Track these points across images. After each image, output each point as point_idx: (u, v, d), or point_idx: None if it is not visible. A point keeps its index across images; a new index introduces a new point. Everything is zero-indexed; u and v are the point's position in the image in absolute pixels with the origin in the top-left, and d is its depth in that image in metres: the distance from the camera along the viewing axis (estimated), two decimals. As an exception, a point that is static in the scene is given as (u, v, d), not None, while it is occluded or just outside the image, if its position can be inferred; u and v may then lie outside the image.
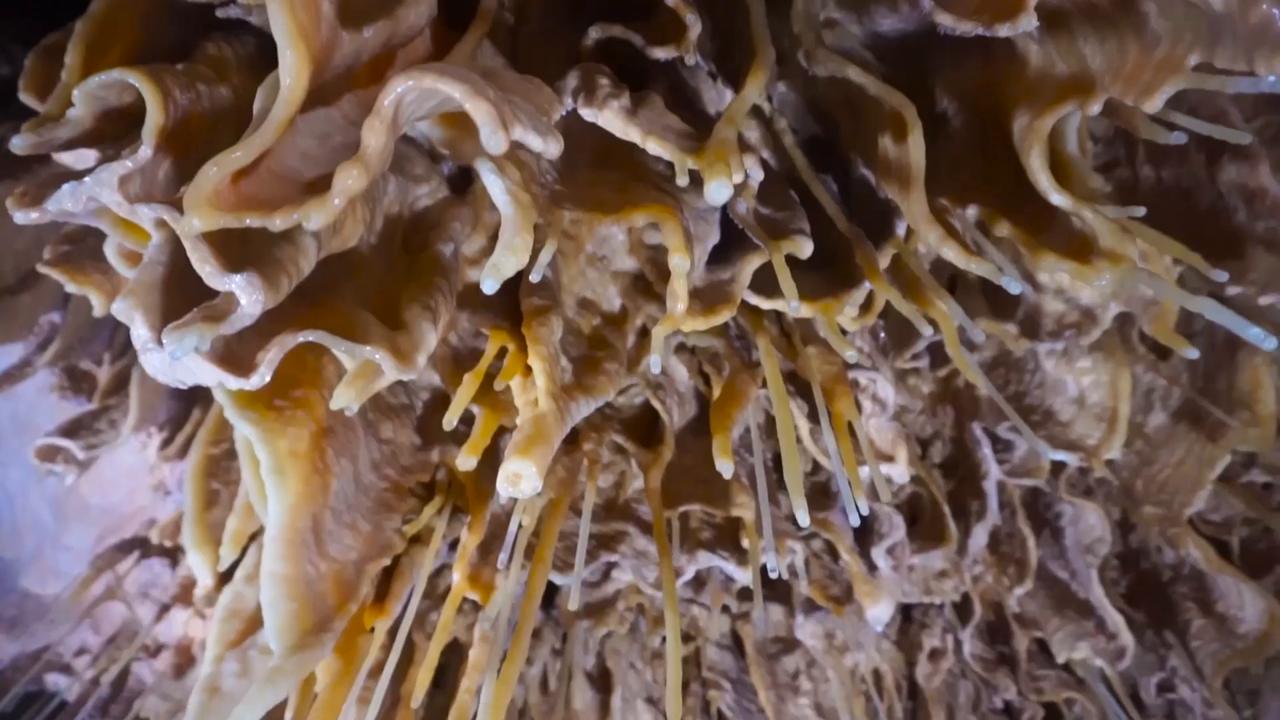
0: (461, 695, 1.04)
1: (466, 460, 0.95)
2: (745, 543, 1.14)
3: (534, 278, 0.76)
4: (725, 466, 0.90)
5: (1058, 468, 1.37)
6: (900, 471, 1.12)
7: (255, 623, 1.10)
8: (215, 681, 1.00)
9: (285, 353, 0.72)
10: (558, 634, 1.38)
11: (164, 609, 1.60)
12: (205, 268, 0.66)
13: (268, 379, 0.71)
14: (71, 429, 1.37)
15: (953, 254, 0.69)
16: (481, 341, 1.07)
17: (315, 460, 0.95)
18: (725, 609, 1.49)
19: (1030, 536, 1.37)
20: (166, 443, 1.53)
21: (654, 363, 0.87)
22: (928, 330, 0.90)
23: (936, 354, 1.36)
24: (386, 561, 1.02)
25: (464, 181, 1.10)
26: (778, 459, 1.38)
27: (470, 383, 0.96)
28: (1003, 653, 1.54)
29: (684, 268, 0.74)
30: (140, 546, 1.66)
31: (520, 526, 1.04)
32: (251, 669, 1.04)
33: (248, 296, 0.65)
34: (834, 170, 1.02)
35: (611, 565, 1.37)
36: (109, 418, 1.40)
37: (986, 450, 1.32)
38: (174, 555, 1.67)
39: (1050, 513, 1.45)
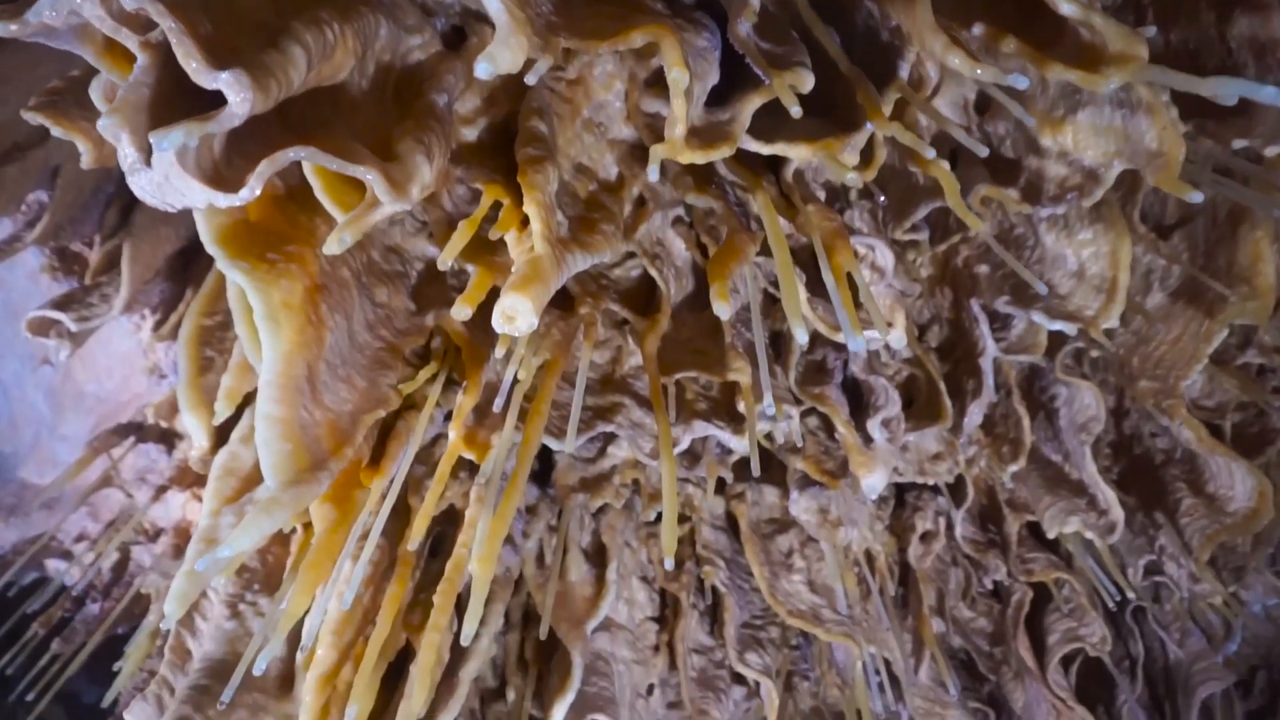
0: (458, 550, 1.05)
1: (461, 309, 0.94)
2: (741, 407, 1.14)
3: (529, 80, 0.74)
4: (723, 309, 0.89)
5: (1054, 346, 1.37)
6: (898, 336, 1.12)
7: (251, 481, 1.10)
8: (212, 533, 1.01)
9: (276, 169, 0.71)
10: (553, 510, 1.39)
11: (161, 490, 1.60)
12: (191, 63, 0.64)
13: (257, 192, 0.70)
14: (63, 303, 1.36)
15: (959, 61, 0.67)
16: (476, 207, 1.05)
17: (309, 313, 0.95)
18: (720, 489, 1.50)
19: (1025, 416, 1.38)
20: (159, 324, 1.52)
21: (651, 172, 0.86)
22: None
23: (936, 229, 1.35)
24: (382, 413, 1.02)
25: (458, 39, 1.07)
26: (775, 337, 1.39)
27: (465, 229, 0.95)
28: (993, 538, 1.56)
29: (682, 82, 0.73)
30: (136, 431, 1.66)
31: (516, 381, 1.04)
32: (249, 522, 1.04)
33: (235, 94, 0.64)
34: (836, 23, 1.00)
35: (608, 439, 1.38)
36: (101, 293, 1.39)
37: (984, 328, 1.31)
38: (170, 440, 1.67)
39: (1045, 396, 1.45)
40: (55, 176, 1.46)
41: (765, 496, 1.48)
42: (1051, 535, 1.37)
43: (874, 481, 1.19)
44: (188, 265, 1.56)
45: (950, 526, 1.52)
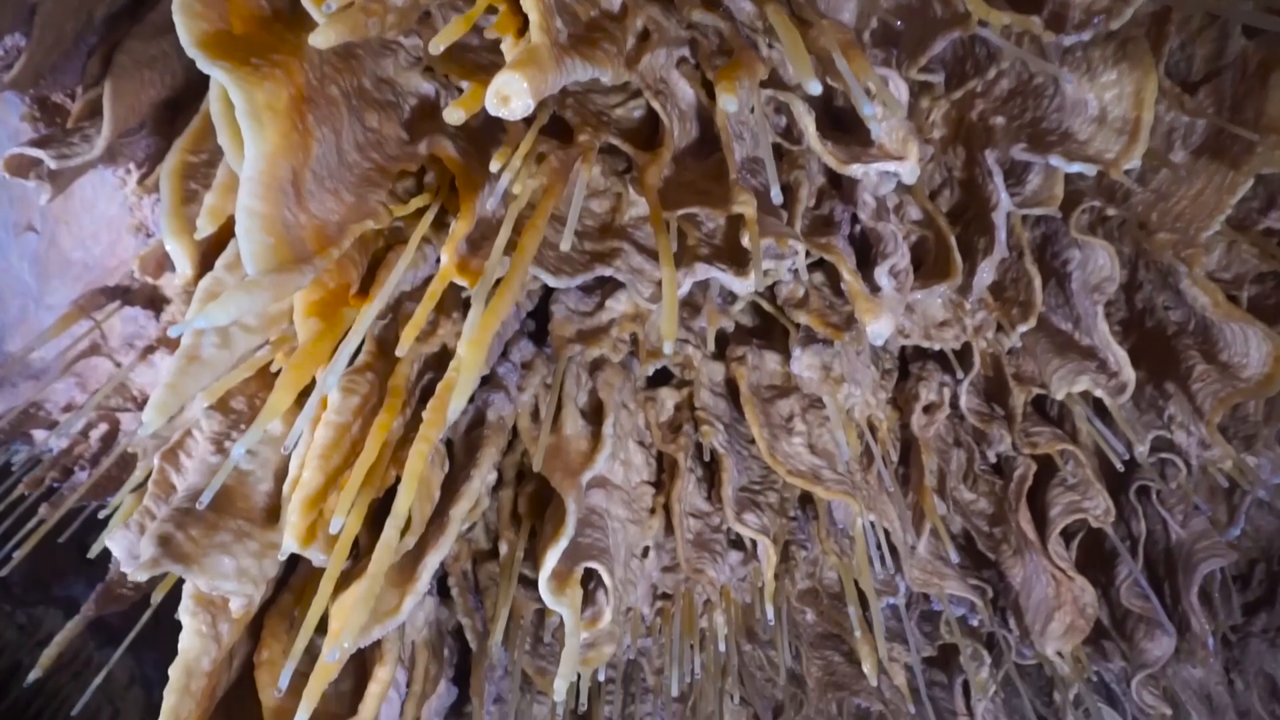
0: (449, 373, 1.02)
1: (454, 113, 0.90)
2: (745, 240, 1.10)
3: None
4: (730, 100, 0.84)
5: (1069, 204, 1.32)
6: (910, 169, 1.07)
7: (236, 306, 1.07)
8: (194, 351, 0.97)
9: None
10: (550, 367, 1.36)
11: (149, 350, 1.56)
12: None
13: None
14: (43, 142, 1.31)
15: None
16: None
17: (294, 120, 0.90)
18: (720, 355, 1.47)
19: (1036, 277, 1.34)
20: (144, 178, 1.47)
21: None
22: None
23: (952, 77, 1.30)
24: (371, 224, 0.97)
25: None
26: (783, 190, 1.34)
27: (459, 24, 0.89)
28: (998, 413, 1.53)
29: None
30: (123, 295, 1.61)
31: (513, 196, 0.99)
32: (233, 342, 1.01)
33: None
34: None
35: (606, 294, 1.34)
36: (83, 134, 1.33)
37: (998, 180, 1.26)
38: (158, 304, 1.63)
39: (1057, 261, 1.41)
40: (32, 15, 1.40)
41: (766, 362, 1.44)
42: (1059, 396, 1.33)
43: (879, 327, 1.15)
44: (174, 119, 1.50)
45: (955, 399, 1.48)
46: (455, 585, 1.40)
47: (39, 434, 1.80)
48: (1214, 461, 1.36)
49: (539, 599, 1.41)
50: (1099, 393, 1.28)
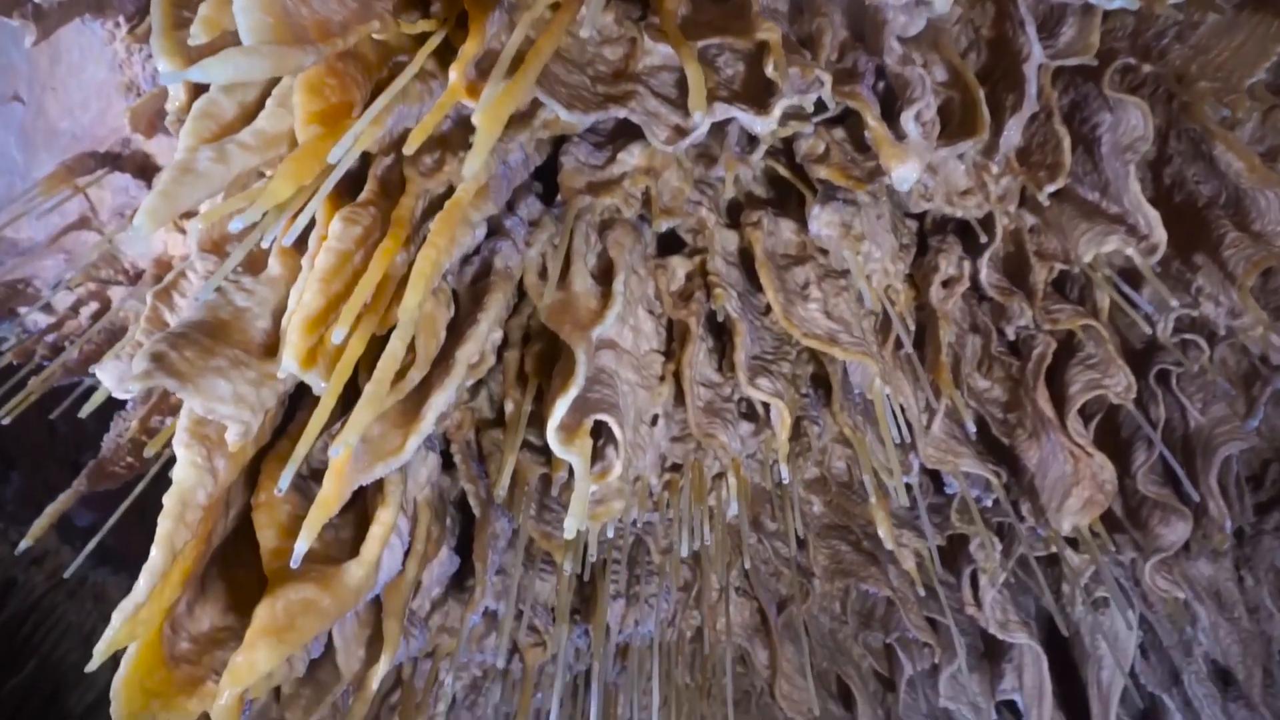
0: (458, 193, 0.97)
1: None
2: (770, 69, 1.04)
3: None
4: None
5: (1103, 63, 1.27)
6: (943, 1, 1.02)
7: (231, 128, 1.01)
8: (189, 164, 0.92)
9: None
10: (557, 226, 1.30)
11: (140, 214, 1.50)
12: None
13: None
14: (26, -22, 1.24)
15: None
16: None
17: (293, -87, 0.84)
18: (734, 224, 1.42)
19: (1065, 137, 1.28)
20: (135, 27, 1.40)
21: None
22: None
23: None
24: (375, 27, 0.92)
25: None
26: (806, 42, 1.28)
27: None
28: (1018, 290, 1.48)
29: None
30: (113, 161, 1.55)
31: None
32: (229, 158, 0.95)
33: None
34: None
35: (619, 147, 1.29)
36: (68, -29, 1.27)
37: (1030, 31, 1.21)
38: (148, 173, 1.57)
39: (1086, 126, 1.36)
40: None
41: (781, 230, 1.39)
42: (1087, 258, 1.29)
43: (905, 171, 1.09)
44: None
45: (974, 273, 1.44)
46: (458, 453, 1.37)
47: (26, 311, 1.74)
48: (1243, 330, 1.32)
49: (545, 463, 1.38)
50: (1129, 252, 1.24)
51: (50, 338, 1.71)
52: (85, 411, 1.50)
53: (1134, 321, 1.64)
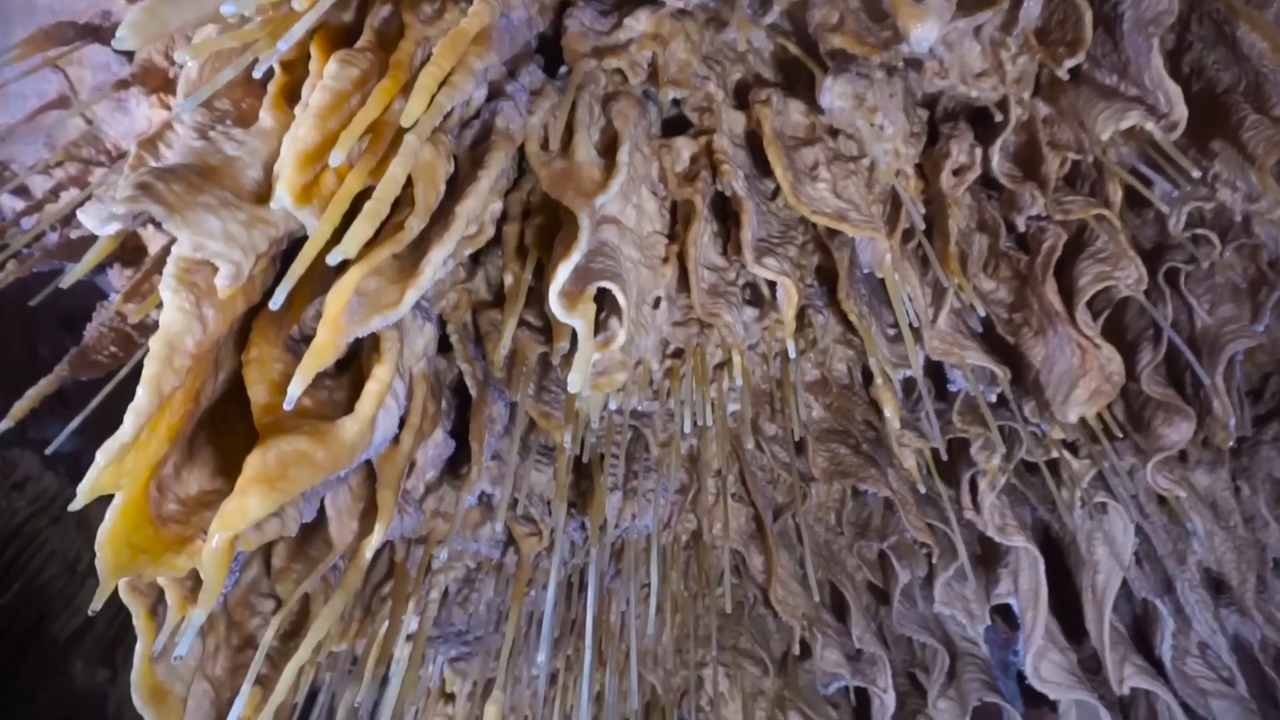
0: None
1: None
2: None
3: None
4: None
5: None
6: None
7: None
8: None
9: None
10: (559, 96, 1.25)
11: (121, 85, 1.44)
12: None
13: None
14: None
15: None
16: None
17: None
18: (742, 104, 1.37)
19: (1087, 11, 1.24)
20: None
21: None
22: None
23: None
24: None
25: None
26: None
27: None
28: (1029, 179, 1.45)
29: None
30: (94, 32, 1.49)
31: None
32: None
33: None
34: None
35: (624, 10, 1.24)
36: None
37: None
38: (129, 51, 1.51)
39: (1106, 5, 1.31)
40: None
41: (790, 110, 1.35)
42: (1105, 135, 1.25)
43: (924, 31, 1.05)
44: None
45: (986, 158, 1.40)
46: (455, 333, 1.33)
47: (5, 198, 1.68)
48: (1261, 214, 1.29)
49: (544, 341, 1.34)
50: (1149, 127, 1.20)
51: (28, 222, 1.65)
52: (66, 282, 1.46)
53: (1143, 222, 1.62)
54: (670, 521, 1.76)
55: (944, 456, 1.63)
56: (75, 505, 0.88)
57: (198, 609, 0.85)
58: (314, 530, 1.27)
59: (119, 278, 1.72)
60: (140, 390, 0.88)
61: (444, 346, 1.38)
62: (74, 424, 1.51)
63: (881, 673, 1.83)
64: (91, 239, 1.60)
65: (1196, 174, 1.22)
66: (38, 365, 3.94)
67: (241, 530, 0.87)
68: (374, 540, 1.11)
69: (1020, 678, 2.05)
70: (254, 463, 0.92)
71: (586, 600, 1.42)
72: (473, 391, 1.31)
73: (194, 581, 1.02)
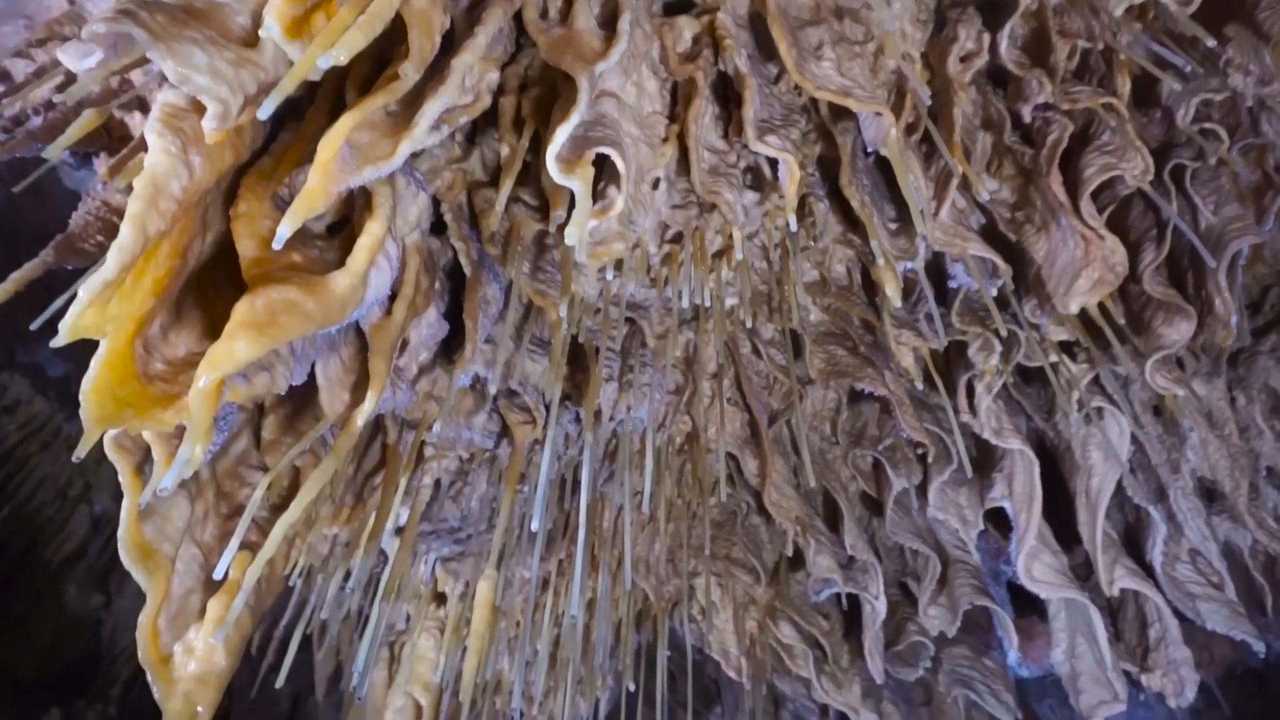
0: None
1: None
2: None
3: None
4: None
5: None
6: None
7: None
8: None
9: None
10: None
11: (105, -45, 1.39)
12: None
13: None
14: None
15: None
16: None
17: None
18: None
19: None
20: None
21: None
22: None
23: None
24: None
25: None
26: None
27: None
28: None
29: None
30: (73, -97, 1.43)
31: None
32: None
33: None
34: None
35: None
36: None
37: None
38: (114, -79, 1.45)
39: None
40: None
41: (796, -7, 1.31)
42: (1119, 11, 1.23)
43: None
44: None
45: (994, 45, 1.37)
46: (449, 212, 1.30)
47: (-14, 84, 1.63)
48: (1273, 97, 1.27)
49: (540, 219, 1.32)
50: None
51: (11, 111, 1.60)
52: (51, 154, 1.42)
53: (1150, 121, 1.59)
54: (665, 422, 1.75)
55: (942, 353, 1.61)
56: (57, 343, 0.86)
57: (185, 446, 0.83)
58: (304, 405, 1.26)
59: (104, 168, 1.68)
60: (124, 228, 0.86)
61: (438, 230, 1.36)
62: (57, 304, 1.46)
63: (873, 580, 1.84)
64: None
65: (1210, 42, 1.18)
66: (21, 289, 3.87)
67: (228, 372, 0.85)
68: (366, 408, 1.10)
69: (1011, 586, 2.07)
70: (242, 308, 0.90)
71: (579, 502, 1.42)
72: (467, 271, 1.28)
73: (181, 439, 1.01)
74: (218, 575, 0.95)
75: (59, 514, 4.02)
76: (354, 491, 1.40)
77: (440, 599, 1.87)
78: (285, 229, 0.86)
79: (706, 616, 2.03)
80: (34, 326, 1.31)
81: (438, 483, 1.59)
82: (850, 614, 2.11)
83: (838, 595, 2.07)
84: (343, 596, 2.08)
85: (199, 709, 0.95)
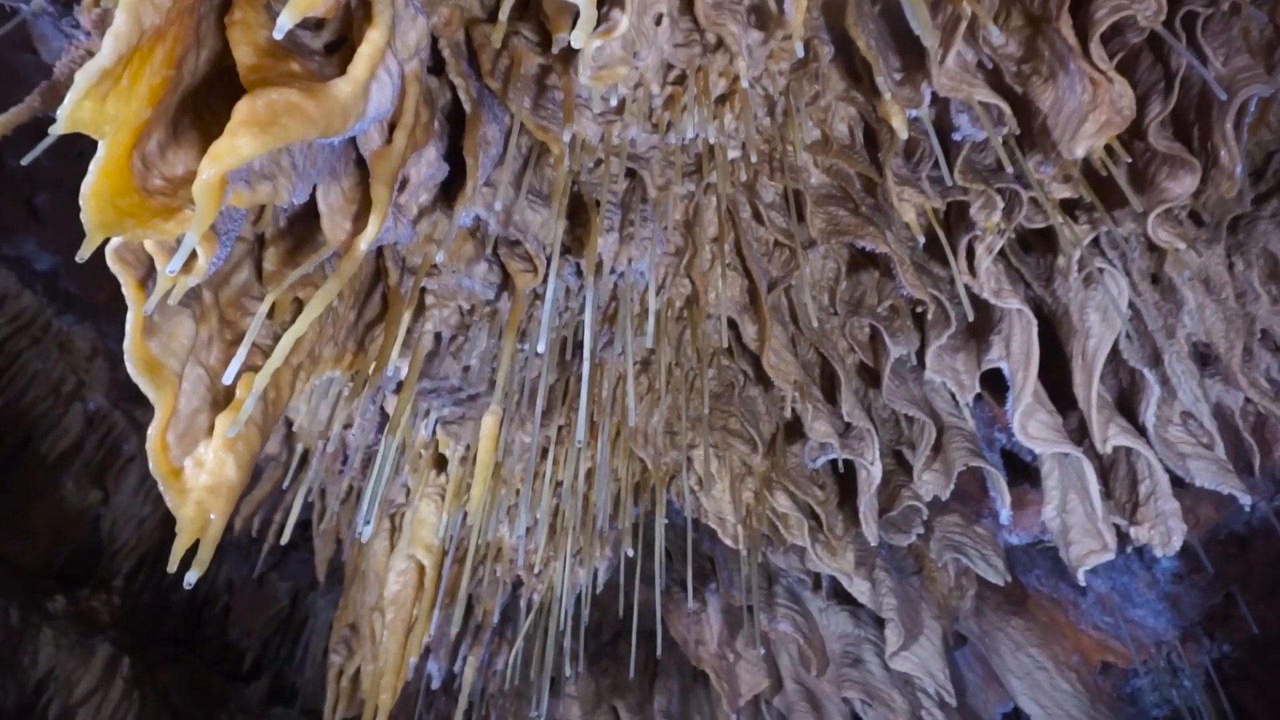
0: None
1: None
2: None
3: None
4: None
5: None
6: None
7: None
8: None
9: None
10: None
11: None
12: None
13: None
14: None
15: None
16: None
17: None
18: None
19: None
20: None
21: None
22: None
23: None
24: None
25: None
26: None
27: None
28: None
29: None
30: None
31: None
32: None
33: None
34: None
35: None
36: None
37: None
38: None
39: None
40: None
41: None
42: None
43: None
44: None
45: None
46: (447, 48, 1.27)
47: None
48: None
49: (541, 52, 1.29)
50: None
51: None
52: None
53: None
54: (665, 283, 1.74)
55: (944, 219, 1.60)
56: (55, 130, 0.84)
57: (189, 234, 0.82)
58: (306, 239, 1.25)
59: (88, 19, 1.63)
60: (118, 14, 0.83)
61: (437, 71, 1.33)
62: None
63: (869, 446, 1.86)
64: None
65: None
66: (4, 175, 3.82)
67: (231, 166, 0.84)
68: (369, 233, 1.09)
69: (1005, 454, 2.10)
70: (244, 108, 0.88)
71: (580, 364, 1.42)
72: (467, 108, 1.26)
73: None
74: (227, 380, 0.96)
75: (53, 410, 4.02)
76: (355, 338, 1.40)
77: (441, 464, 1.88)
78: (286, 20, 0.84)
79: (704, 487, 2.06)
80: (25, 161, 1.27)
81: (438, 336, 1.59)
82: (845, 484, 2.14)
83: (833, 465, 2.10)
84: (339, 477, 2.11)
85: (211, 515, 0.97)
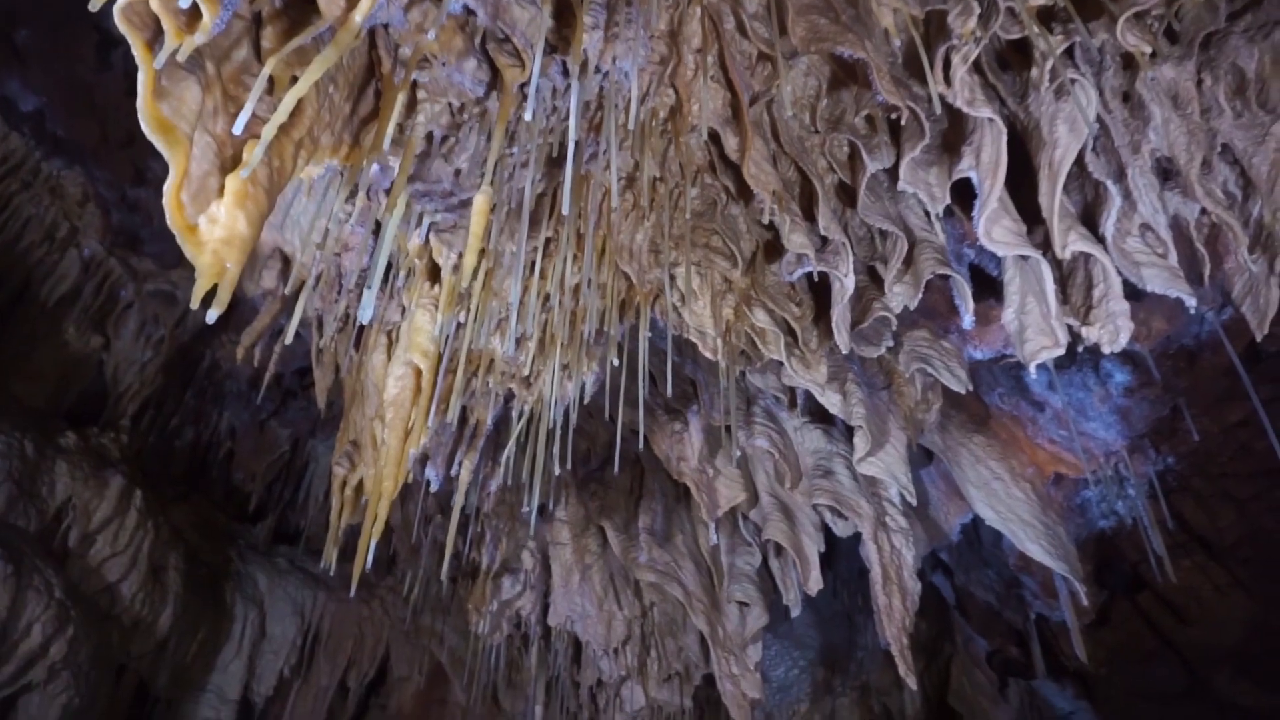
0: None
1: None
2: None
3: None
4: None
5: None
6: None
7: None
8: None
9: None
10: None
11: None
12: None
13: None
14: None
15: None
16: None
17: None
18: None
19: None
20: None
21: None
22: None
23: None
24: None
25: None
26: None
27: None
28: None
29: None
30: None
31: None
32: None
33: None
34: None
35: None
36: None
37: None
38: None
39: None
40: None
41: None
42: None
43: None
44: None
45: None
46: None
47: None
48: None
49: None
50: None
51: None
52: None
53: None
54: (649, 92, 1.79)
55: (922, 32, 1.64)
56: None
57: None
58: (301, 20, 1.29)
59: None
60: None
61: None
62: None
63: (844, 260, 1.95)
64: None
65: None
66: (15, 48, 3.74)
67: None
68: (363, 6, 1.14)
69: (972, 269, 2.20)
70: None
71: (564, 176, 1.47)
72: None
73: (189, 15, 1.05)
74: (237, 130, 1.03)
75: (49, 256, 4.07)
76: (351, 131, 1.46)
77: (434, 275, 1.97)
78: None
79: (686, 302, 2.16)
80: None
81: (430, 136, 1.64)
82: (820, 301, 2.24)
83: (809, 281, 2.20)
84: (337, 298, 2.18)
85: (228, 264, 1.05)
